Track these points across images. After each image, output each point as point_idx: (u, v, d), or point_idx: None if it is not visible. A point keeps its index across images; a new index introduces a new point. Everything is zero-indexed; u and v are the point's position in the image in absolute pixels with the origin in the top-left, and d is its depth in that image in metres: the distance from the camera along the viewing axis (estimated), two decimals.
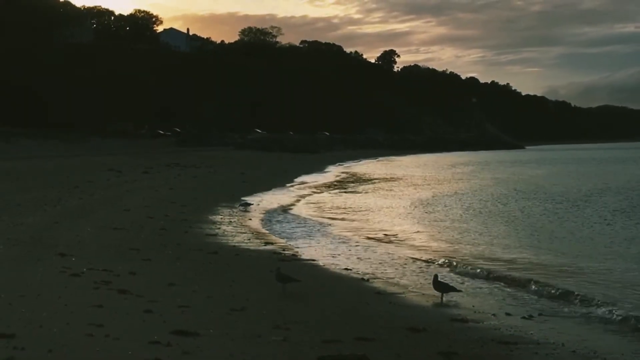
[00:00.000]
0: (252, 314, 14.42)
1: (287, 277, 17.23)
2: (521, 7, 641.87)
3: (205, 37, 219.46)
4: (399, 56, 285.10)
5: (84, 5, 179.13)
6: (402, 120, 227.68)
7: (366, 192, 56.41)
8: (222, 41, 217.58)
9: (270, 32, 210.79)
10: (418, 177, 79.28)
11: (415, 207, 44.05)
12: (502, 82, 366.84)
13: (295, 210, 40.85)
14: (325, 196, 51.88)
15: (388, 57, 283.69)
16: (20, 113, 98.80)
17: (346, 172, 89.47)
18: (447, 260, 23.71)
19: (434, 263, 23.31)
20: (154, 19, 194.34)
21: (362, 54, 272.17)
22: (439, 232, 31.97)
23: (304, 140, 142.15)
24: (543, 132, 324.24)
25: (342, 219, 36.64)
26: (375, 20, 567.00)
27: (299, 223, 34.31)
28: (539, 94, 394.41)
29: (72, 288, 15.36)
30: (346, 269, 21.78)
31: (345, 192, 56.83)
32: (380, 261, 23.54)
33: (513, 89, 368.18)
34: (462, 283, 19.87)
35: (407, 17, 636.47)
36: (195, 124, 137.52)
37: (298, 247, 26.09)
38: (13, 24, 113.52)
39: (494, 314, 16.12)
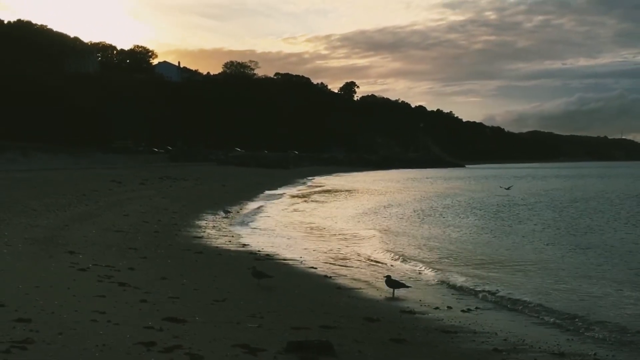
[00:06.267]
0: (232, 304, 14.44)
1: (262, 274, 17.34)
2: (465, 46, 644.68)
3: (194, 69, 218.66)
4: (358, 87, 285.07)
5: (90, 41, 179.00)
6: (360, 141, 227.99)
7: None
8: (209, 73, 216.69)
9: (249, 65, 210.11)
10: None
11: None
12: (446, 110, 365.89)
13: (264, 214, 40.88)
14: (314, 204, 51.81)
15: (349, 87, 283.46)
16: (37, 131, 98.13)
17: (324, 187, 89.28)
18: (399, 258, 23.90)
19: (386, 264, 23.38)
20: (150, 53, 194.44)
21: (327, 85, 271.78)
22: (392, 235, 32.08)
23: (277, 157, 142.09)
24: (480, 153, 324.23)
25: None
26: (340, 55, 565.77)
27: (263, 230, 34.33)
28: (478, 121, 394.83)
29: (80, 281, 15.31)
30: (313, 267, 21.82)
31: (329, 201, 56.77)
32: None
33: (455, 116, 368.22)
34: (411, 279, 19.93)
35: (367, 54, 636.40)
36: (184, 143, 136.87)
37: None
38: (31, 54, 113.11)
39: (437, 307, 16.19)
